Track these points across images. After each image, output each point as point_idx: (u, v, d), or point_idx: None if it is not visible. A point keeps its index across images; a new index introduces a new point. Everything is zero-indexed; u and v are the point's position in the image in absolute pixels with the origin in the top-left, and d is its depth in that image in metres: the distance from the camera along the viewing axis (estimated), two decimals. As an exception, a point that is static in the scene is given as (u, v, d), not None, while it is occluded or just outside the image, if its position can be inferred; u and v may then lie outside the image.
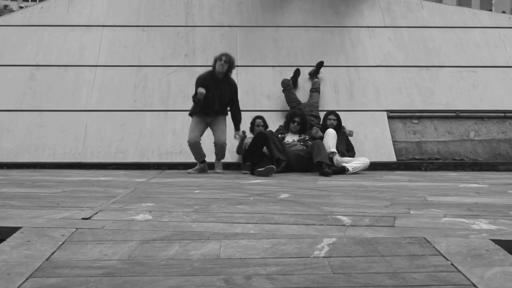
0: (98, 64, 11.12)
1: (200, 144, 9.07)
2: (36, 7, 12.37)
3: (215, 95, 9.03)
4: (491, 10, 36.93)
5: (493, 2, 49.85)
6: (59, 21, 11.80)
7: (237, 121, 9.23)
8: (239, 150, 9.74)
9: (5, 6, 67.84)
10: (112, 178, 8.04)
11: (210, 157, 9.23)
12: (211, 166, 9.30)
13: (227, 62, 8.99)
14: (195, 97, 9.05)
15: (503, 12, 31.81)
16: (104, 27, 11.70)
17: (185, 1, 12.26)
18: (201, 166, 9.19)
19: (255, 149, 9.07)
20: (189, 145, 9.10)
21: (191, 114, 9.26)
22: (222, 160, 9.38)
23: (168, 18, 11.97)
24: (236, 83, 9.42)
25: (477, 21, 12.30)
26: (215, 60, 9.07)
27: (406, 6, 12.51)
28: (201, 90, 8.89)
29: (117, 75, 11.03)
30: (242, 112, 9.35)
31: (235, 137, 9.30)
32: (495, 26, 12.17)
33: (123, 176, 8.38)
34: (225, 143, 9.19)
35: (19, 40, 11.47)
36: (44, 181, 7.47)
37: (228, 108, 9.28)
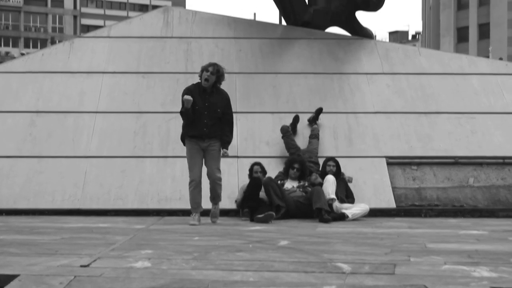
0: (98, 111, 11.15)
1: (201, 184, 8.29)
2: (37, 54, 12.48)
3: (203, 108, 8.24)
4: (488, 57, 37.23)
5: (490, 49, 50.35)
6: (60, 68, 11.87)
7: (225, 142, 8.38)
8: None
9: (7, 53, 68.47)
10: (111, 225, 8.02)
11: (207, 203, 8.89)
12: (207, 212, 8.76)
13: (214, 73, 8.26)
14: (182, 108, 8.27)
15: (500, 58, 32.08)
16: (105, 74, 11.78)
17: (185, 48, 12.37)
18: (197, 215, 8.37)
19: (251, 194, 9.05)
20: (191, 185, 8.30)
21: (182, 139, 8.49)
22: (220, 205, 8.66)
23: (168, 65, 12.06)
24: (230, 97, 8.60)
25: (474, 67, 12.39)
26: (202, 71, 8.34)
27: (404, 53, 12.62)
28: (187, 97, 8.13)
29: (117, 122, 11.05)
30: (241, 158, 9.16)
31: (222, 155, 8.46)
32: (493, 72, 12.25)
33: (122, 223, 8.36)
34: (219, 178, 8.39)
35: (19, 87, 11.53)
36: (42, 228, 7.45)
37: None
